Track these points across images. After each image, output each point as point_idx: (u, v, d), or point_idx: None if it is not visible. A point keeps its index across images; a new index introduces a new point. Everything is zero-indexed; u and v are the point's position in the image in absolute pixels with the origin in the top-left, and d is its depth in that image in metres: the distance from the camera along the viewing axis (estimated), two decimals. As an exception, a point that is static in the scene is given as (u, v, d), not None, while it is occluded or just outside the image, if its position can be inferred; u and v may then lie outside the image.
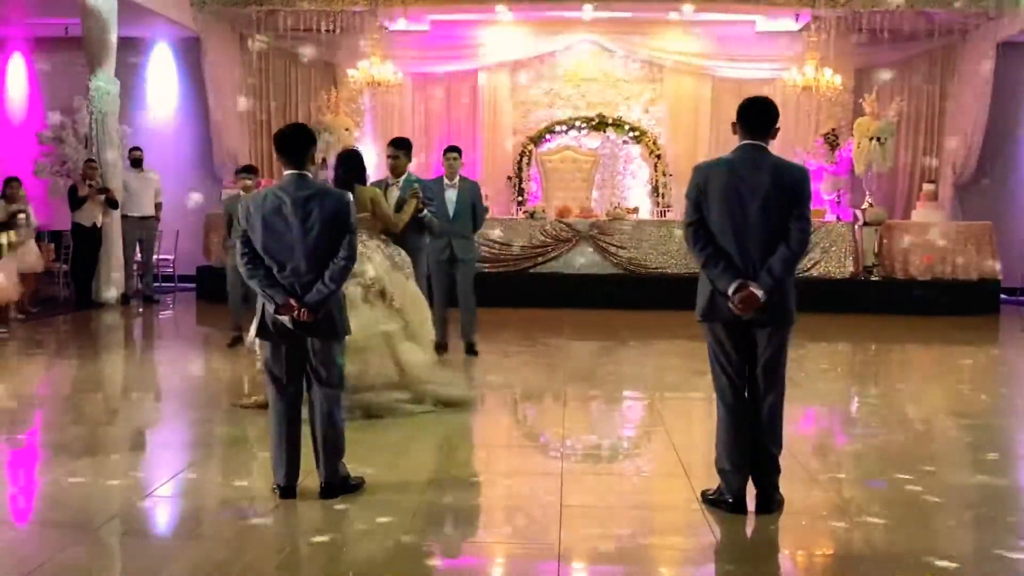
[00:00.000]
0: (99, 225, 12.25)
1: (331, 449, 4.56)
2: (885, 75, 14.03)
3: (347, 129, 14.11)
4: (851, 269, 13.03)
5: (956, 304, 12.45)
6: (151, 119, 15.03)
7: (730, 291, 4.23)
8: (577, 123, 14.95)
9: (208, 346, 9.75)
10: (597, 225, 13.30)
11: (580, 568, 3.88)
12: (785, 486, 4.45)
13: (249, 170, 9.36)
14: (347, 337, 4.71)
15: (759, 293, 4.21)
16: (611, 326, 10.98)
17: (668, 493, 4.83)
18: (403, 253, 6.73)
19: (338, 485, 4.56)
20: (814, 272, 12.80)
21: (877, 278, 13.02)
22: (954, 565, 3.82)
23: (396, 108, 15.08)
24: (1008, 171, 14.49)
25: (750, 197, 4.25)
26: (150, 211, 13.04)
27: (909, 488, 4.85)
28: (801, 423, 6.52)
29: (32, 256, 11.35)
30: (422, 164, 14.19)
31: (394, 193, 7.66)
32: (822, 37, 13.93)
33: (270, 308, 4.48)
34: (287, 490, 4.51)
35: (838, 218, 13.63)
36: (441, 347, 8.40)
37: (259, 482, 4.73)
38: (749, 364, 4.37)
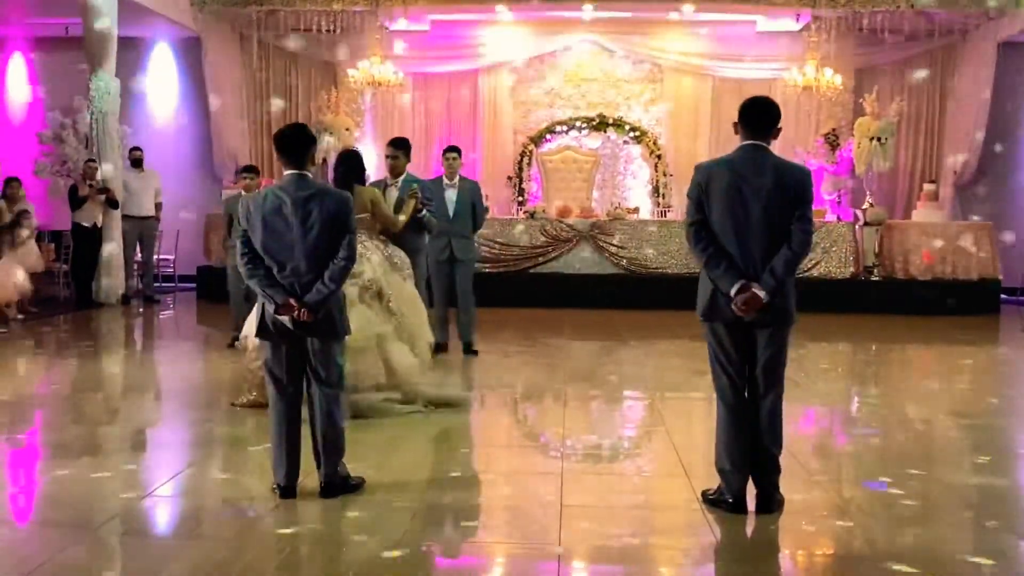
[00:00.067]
0: (99, 225, 12.26)
1: (331, 449, 4.55)
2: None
3: (347, 129, 14.12)
4: (852, 269, 13.03)
5: (956, 304, 12.45)
6: (151, 118, 15.03)
7: (732, 292, 4.22)
8: (577, 123, 14.95)
9: (208, 346, 9.75)
10: (597, 225, 13.30)
11: (580, 568, 3.87)
12: (785, 486, 4.45)
13: (250, 170, 9.36)
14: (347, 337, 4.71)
15: (761, 294, 4.20)
16: (611, 326, 10.98)
17: (668, 493, 4.83)
18: (402, 254, 6.73)
19: (338, 485, 4.56)
20: (815, 272, 12.80)
21: (878, 278, 13.02)
22: (952, 565, 3.82)
23: (396, 108, 15.09)
24: (1008, 171, 14.48)
25: (752, 198, 4.24)
26: (150, 211, 13.05)
27: (909, 488, 4.85)
28: (801, 423, 6.51)
29: (32, 256, 11.37)
30: (422, 164, 14.20)
31: (393, 193, 7.66)
32: (822, 37, 13.94)
33: (270, 308, 4.48)
34: (287, 490, 4.51)
35: (839, 218, 13.64)
36: (441, 347, 8.41)
37: (259, 482, 4.73)
38: (749, 364, 4.37)
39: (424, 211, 7.66)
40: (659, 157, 14.74)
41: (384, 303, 6.31)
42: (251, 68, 14.78)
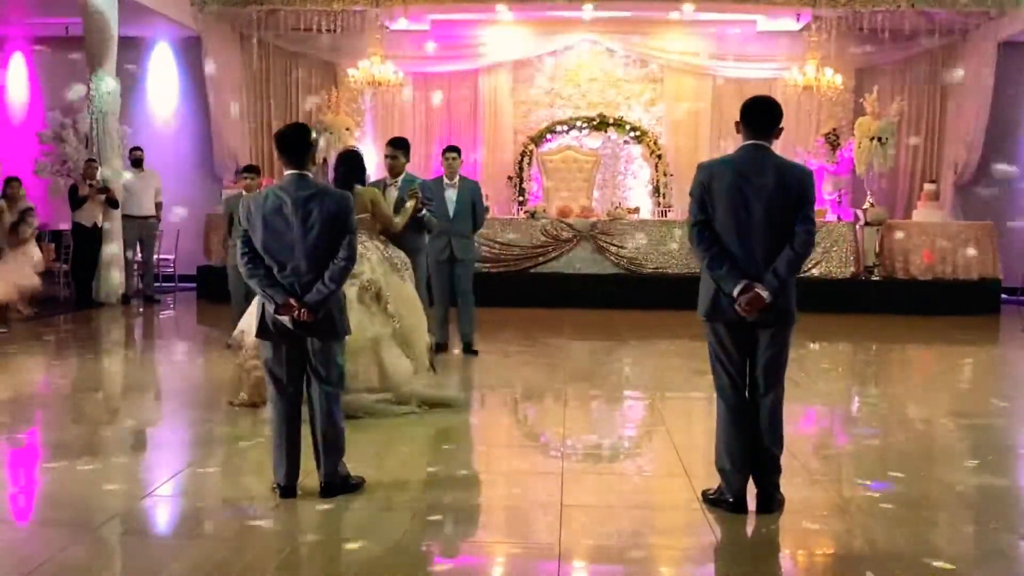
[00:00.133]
0: (99, 225, 12.26)
1: (331, 448, 4.55)
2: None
3: (347, 129, 14.12)
4: (852, 269, 13.03)
5: (957, 304, 12.45)
6: (152, 118, 15.03)
7: (735, 292, 4.22)
8: (578, 123, 14.95)
9: (208, 346, 9.74)
10: (598, 225, 13.29)
11: (580, 568, 3.87)
12: (785, 486, 4.45)
13: (251, 170, 9.35)
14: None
15: (764, 294, 4.20)
16: (611, 326, 10.98)
17: (668, 493, 4.83)
18: (402, 255, 6.72)
19: (338, 484, 4.56)
20: (815, 272, 12.78)
21: (878, 278, 13.01)
22: (952, 566, 3.82)
23: (396, 108, 15.08)
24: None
25: (755, 198, 4.23)
26: (150, 211, 13.05)
27: (910, 488, 4.85)
28: (802, 423, 6.51)
29: (33, 256, 11.37)
30: (422, 164, 14.20)
31: (392, 193, 7.64)
32: (823, 37, 13.93)
33: (270, 308, 4.48)
34: (287, 489, 4.51)
35: (839, 218, 13.63)
36: (441, 347, 8.41)
37: (259, 481, 4.73)
38: (750, 363, 4.37)
39: (424, 211, 7.65)
40: (659, 157, 14.74)
41: (382, 305, 6.31)
42: (251, 68, 14.77)
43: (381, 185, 7.66)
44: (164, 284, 14.30)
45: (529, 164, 14.88)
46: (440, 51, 14.92)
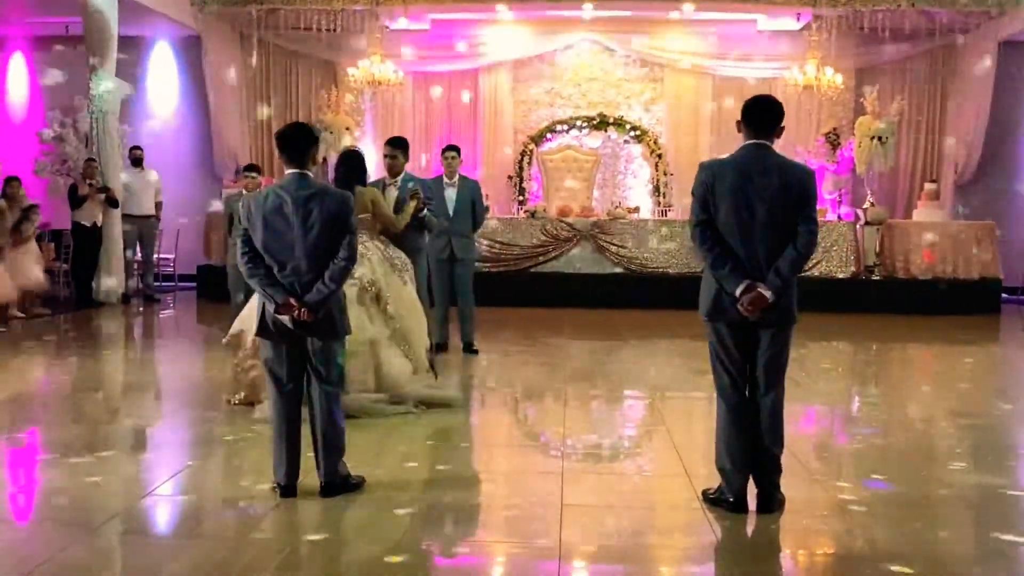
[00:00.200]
0: (99, 224, 12.25)
1: (331, 448, 4.55)
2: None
3: (347, 128, 14.11)
4: (852, 268, 13.03)
5: (957, 303, 12.45)
6: (152, 118, 15.03)
7: (738, 292, 4.21)
8: (578, 122, 14.95)
9: (208, 345, 9.74)
10: (598, 224, 13.29)
11: (580, 568, 3.87)
12: (786, 485, 4.44)
13: (252, 169, 9.34)
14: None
15: (768, 294, 4.20)
16: (612, 325, 10.98)
17: (669, 492, 4.83)
18: (403, 256, 6.70)
19: (338, 484, 4.55)
20: (815, 271, 12.77)
21: (878, 277, 13.01)
22: (952, 566, 3.82)
23: (396, 107, 15.08)
24: (1009, 170, 14.47)
25: (758, 198, 4.23)
26: (150, 210, 13.05)
27: (910, 488, 4.85)
28: (802, 423, 6.51)
29: (33, 255, 11.36)
30: (422, 163, 14.20)
31: (392, 193, 7.63)
32: (823, 36, 13.94)
33: (270, 307, 4.47)
34: (287, 489, 4.51)
35: (839, 217, 13.63)
36: (441, 347, 8.40)
37: (259, 481, 4.72)
38: (750, 363, 4.36)
39: (425, 211, 7.64)
40: (659, 156, 14.74)
41: (382, 306, 6.30)
42: (251, 67, 14.76)
43: (380, 185, 7.64)
44: (164, 283, 14.29)
45: (529, 163, 14.88)
46: (440, 50, 14.92)
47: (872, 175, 13.60)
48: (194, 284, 13.78)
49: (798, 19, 14.15)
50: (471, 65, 15.11)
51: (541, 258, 13.18)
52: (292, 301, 4.40)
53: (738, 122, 4.41)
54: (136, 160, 13.03)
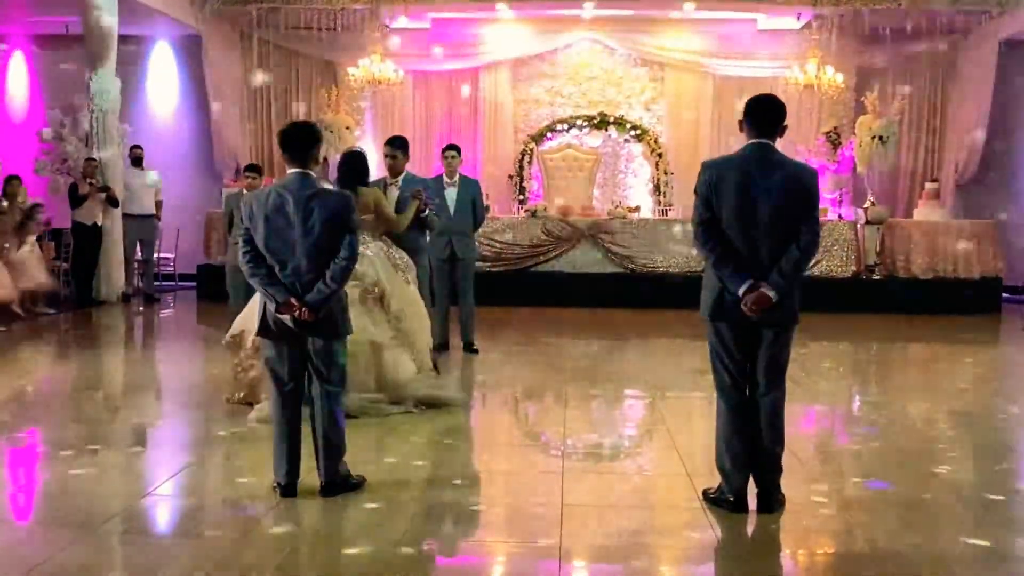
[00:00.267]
0: (100, 223, 12.25)
1: (332, 448, 4.55)
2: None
3: (347, 128, 14.11)
4: (853, 268, 13.02)
5: (958, 303, 12.45)
6: (152, 117, 15.03)
7: (741, 291, 4.21)
8: (578, 121, 14.94)
9: (208, 344, 9.73)
10: (598, 224, 13.28)
11: (581, 567, 3.87)
12: (786, 485, 4.44)
13: (254, 169, 9.34)
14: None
15: (771, 293, 4.19)
16: (612, 325, 10.98)
17: (669, 492, 4.83)
18: (406, 256, 6.69)
19: (338, 484, 4.55)
20: (816, 271, 12.76)
21: (879, 277, 13.01)
22: (953, 566, 3.82)
23: (397, 106, 15.07)
24: (1010, 169, 14.46)
25: (761, 197, 4.22)
26: (150, 209, 13.05)
27: (910, 487, 4.85)
28: (802, 422, 6.51)
29: (33, 254, 11.37)
30: (423, 163, 14.18)
31: (393, 193, 7.62)
32: (824, 35, 13.94)
33: (271, 307, 4.47)
34: (287, 488, 4.51)
35: (840, 217, 13.61)
36: (442, 346, 8.40)
37: (259, 481, 4.72)
38: (751, 363, 4.36)
39: (427, 210, 7.63)
40: (660, 155, 14.73)
41: (386, 307, 6.29)
42: (252, 66, 14.75)
43: (381, 184, 7.64)
44: (164, 283, 14.29)
45: (529, 163, 14.87)
46: (441, 49, 14.91)
47: (873, 174, 13.60)
48: (194, 284, 13.78)
49: (799, 18, 14.15)
50: (471, 64, 15.11)
51: (541, 257, 13.18)
52: (293, 301, 4.40)
53: (740, 121, 4.40)
54: (136, 160, 13.03)
